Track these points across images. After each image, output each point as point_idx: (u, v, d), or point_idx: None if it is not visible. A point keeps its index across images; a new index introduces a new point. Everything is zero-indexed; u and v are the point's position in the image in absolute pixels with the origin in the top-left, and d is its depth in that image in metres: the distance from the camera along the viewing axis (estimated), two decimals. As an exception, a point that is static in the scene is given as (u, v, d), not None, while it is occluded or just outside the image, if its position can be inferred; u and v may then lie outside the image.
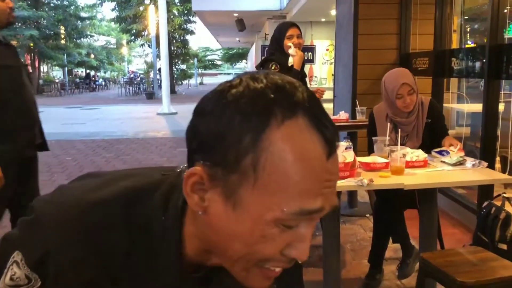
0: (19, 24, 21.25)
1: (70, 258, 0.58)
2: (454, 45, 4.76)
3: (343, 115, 3.96)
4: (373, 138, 2.47)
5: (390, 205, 2.58)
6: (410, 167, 2.20)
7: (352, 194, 3.97)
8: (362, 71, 4.93)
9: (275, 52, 3.17)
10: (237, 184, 0.52)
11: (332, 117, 3.90)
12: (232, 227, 0.54)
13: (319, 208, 0.53)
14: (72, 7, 24.96)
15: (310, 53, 18.69)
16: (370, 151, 2.58)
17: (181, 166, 0.63)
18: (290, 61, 3.01)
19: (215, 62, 42.76)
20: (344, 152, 2.12)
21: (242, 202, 0.53)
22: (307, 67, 18.31)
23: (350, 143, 2.27)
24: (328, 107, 7.23)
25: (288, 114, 0.51)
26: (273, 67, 3.06)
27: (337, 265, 2.27)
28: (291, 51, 3.02)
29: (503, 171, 4.19)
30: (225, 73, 71.82)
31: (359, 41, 4.92)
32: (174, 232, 0.60)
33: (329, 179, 0.53)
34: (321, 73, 17.65)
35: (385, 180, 2.05)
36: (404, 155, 2.15)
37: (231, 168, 0.52)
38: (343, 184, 1.98)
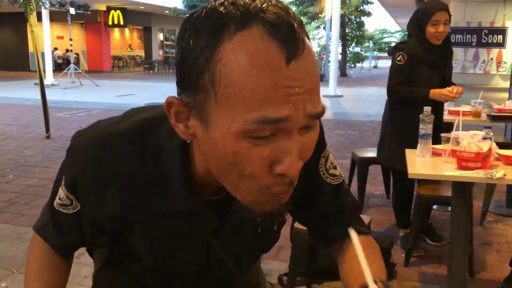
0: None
1: (92, 181, 0.68)
2: None
3: (509, 104, 3.57)
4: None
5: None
6: None
7: (511, 193, 3.58)
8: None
9: (411, 37, 2.73)
10: (203, 104, 0.53)
11: (496, 107, 3.53)
12: (212, 148, 0.55)
13: (284, 117, 0.51)
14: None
15: (500, 36, 16.69)
16: None
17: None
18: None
19: (391, 45, 40.97)
20: (480, 142, 1.98)
21: (211, 120, 0.53)
22: (494, 52, 16.40)
23: (490, 134, 2.11)
24: (502, 96, 6.47)
25: (241, 26, 0.51)
26: (398, 58, 2.69)
27: (463, 261, 2.15)
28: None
29: None
30: (403, 57, 68.18)
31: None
32: (178, 159, 0.64)
33: (292, 85, 0.51)
34: (514, 59, 15.57)
35: (523, 176, 1.86)
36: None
37: (195, 89, 0.53)
38: (470, 175, 1.87)
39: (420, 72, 2.71)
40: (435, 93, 2.65)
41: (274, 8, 0.52)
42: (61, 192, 0.74)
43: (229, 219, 0.72)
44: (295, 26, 0.52)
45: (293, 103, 0.51)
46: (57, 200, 0.76)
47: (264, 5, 0.52)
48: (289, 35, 0.51)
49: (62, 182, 0.73)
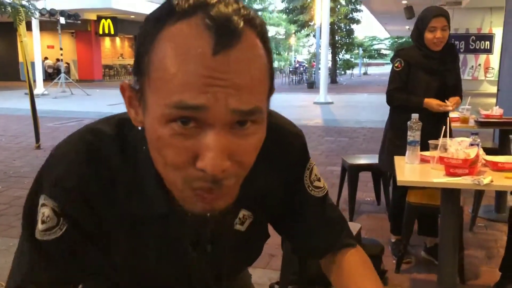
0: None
1: (73, 183, 0.64)
2: None
3: (496, 110, 3.62)
4: (511, 136, 2.26)
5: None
6: (549, 171, 1.97)
7: (500, 198, 3.61)
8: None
9: (413, 42, 2.77)
10: (143, 88, 0.56)
11: (484, 112, 3.56)
12: (147, 133, 0.57)
13: (200, 105, 0.51)
14: (246, 0, 26.66)
15: (487, 42, 16.89)
16: None
17: None
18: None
19: (381, 52, 41.36)
20: (468, 149, 2.01)
21: (146, 104, 0.56)
22: (482, 57, 16.58)
23: (478, 140, 2.14)
24: (490, 101, 6.58)
25: (182, 16, 0.52)
26: (396, 64, 2.74)
27: (453, 267, 2.16)
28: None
29: None
30: (393, 63, 68.68)
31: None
32: (150, 160, 0.61)
33: (215, 76, 0.51)
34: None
35: (510, 182, 1.88)
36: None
37: (139, 74, 0.56)
38: (458, 181, 1.89)
39: (418, 78, 2.72)
40: (428, 103, 2.66)
41: (223, 5, 0.53)
42: (45, 211, 0.65)
43: (208, 231, 0.71)
44: (235, 19, 0.52)
45: (212, 94, 0.51)
46: (39, 227, 0.65)
47: (214, 1, 0.53)
48: (223, 27, 0.51)
49: (42, 199, 0.65)
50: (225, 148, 0.53)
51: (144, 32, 0.55)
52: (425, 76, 2.72)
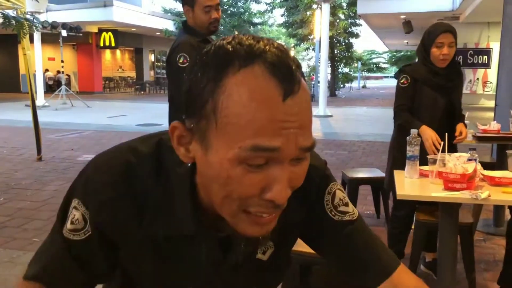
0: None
1: (107, 197, 0.69)
2: None
3: (494, 125, 3.67)
4: (507, 151, 2.31)
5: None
6: (545, 186, 2.01)
7: (498, 212, 3.65)
8: (528, 78, 4.44)
9: (419, 58, 2.69)
10: (205, 129, 0.59)
11: (482, 127, 3.60)
12: (208, 170, 0.60)
13: (276, 147, 0.56)
14: (246, 14, 26.84)
15: (485, 57, 17.07)
16: None
17: None
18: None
19: (380, 65, 41.60)
20: (466, 164, 2.05)
21: (210, 145, 0.59)
22: (480, 72, 16.73)
23: (475, 156, 2.18)
24: (489, 115, 6.64)
25: (244, 63, 0.57)
26: (402, 81, 2.69)
27: (452, 282, 2.19)
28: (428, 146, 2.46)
29: None
30: (391, 77, 69.12)
31: (526, 45, 4.45)
32: (185, 184, 0.67)
33: (287, 119, 0.56)
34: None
35: (507, 196, 1.93)
36: (535, 172, 1.98)
37: (199, 116, 0.59)
38: (456, 195, 1.94)
39: (424, 95, 2.67)
40: (422, 132, 2.53)
41: (275, 50, 0.58)
42: (75, 214, 0.71)
43: (232, 256, 0.74)
44: (293, 67, 0.58)
45: (285, 136, 0.56)
46: (67, 226, 0.71)
47: (267, 47, 0.58)
48: (287, 75, 0.57)
49: (76, 203, 0.71)
50: (289, 179, 0.59)
51: (202, 77, 0.59)
52: (431, 93, 2.66)
